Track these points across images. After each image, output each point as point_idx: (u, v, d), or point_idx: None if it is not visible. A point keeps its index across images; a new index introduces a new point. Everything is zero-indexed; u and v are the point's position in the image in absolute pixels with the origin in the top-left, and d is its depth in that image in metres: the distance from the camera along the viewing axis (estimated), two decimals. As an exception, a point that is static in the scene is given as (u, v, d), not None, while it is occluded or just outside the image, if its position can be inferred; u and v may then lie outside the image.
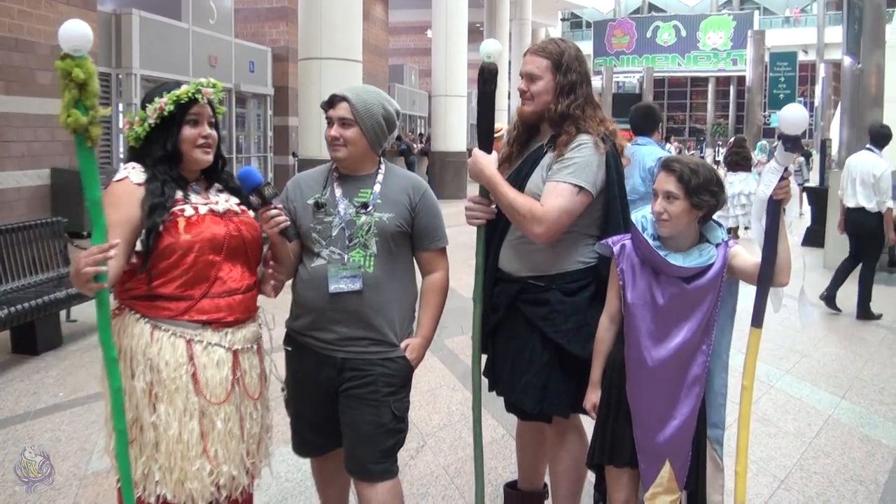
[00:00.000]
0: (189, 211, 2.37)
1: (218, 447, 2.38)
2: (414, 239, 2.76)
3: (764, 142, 23.10)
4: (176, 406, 2.32)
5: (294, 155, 15.85)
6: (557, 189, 2.70)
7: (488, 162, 2.82)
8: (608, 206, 2.78)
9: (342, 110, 2.66)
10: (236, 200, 2.55)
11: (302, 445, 2.90)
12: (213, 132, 2.47)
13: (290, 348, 2.80)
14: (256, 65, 18.99)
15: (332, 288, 2.61)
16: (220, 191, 2.55)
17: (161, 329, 2.34)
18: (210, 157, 2.48)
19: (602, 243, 2.69)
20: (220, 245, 2.40)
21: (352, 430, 2.68)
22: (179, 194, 2.40)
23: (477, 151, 2.85)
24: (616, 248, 2.64)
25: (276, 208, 2.53)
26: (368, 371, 2.65)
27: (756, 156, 22.94)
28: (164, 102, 2.35)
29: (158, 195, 2.33)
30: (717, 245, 2.59)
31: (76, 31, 2.07)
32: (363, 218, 2.65)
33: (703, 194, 2.51)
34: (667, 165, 2.59)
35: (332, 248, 2.64)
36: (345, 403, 2.68)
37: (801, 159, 19.49)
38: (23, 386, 5.16)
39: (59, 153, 11.00)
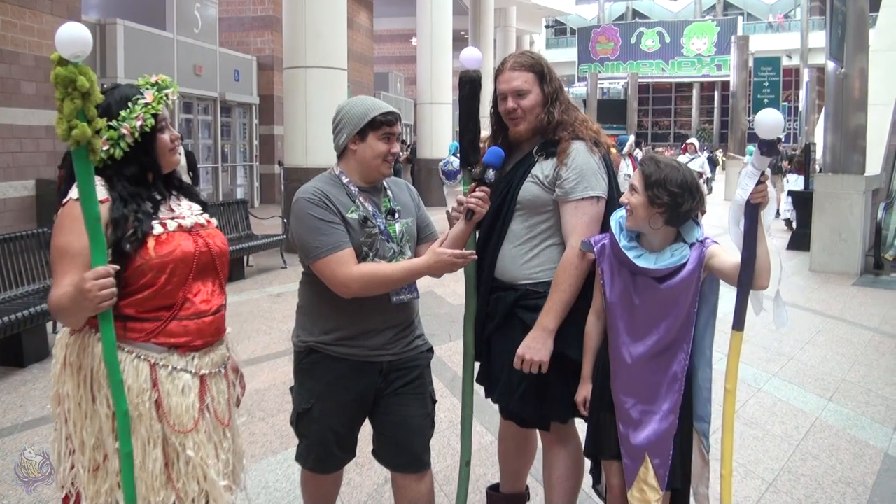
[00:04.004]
0: (158, 229, 2.19)
1: (186, 478, 2.19)
2: (419, 231, 2.82)
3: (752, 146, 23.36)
4: (139, 433, 2.14)
5: (279, 164, 15.82)
6: (579, 209, 2.75)
7: (543, 341, 2.75)
8: (605, 208, 2.81)
9: (399, 126, 2.70)
10: (198, 209, 2.40)
11: (325, 461, 2.80)
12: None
13: (313, 362, 2.72)
14: (241, 74, 18.99)
15: (395, 299, 2.66)
16: (178, 196, 2.39)
17: (124, 351, 2.15)
18: (179, 157, 2.34)
19: (584, 241, 2.72)
20: (191, 263, 2.23)
21: (403, 427, 2.74)
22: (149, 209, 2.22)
23: (530, 344, 2.74)
24: (597, 248, 2.69)
25: (484, 191, 2.61)
26: (414, 365, 2.77)
27: (745, 160, 23.14)
28: (142, 118, 2.16)
29: (125, 222, 2.13)
30: (693, 245, 2.60)
31: (77, 36, 1.85)
32: (397, 226, 2.70)
33: (659, 191, 2.52)
34: (641, 161, 2.66)
35: (378, 259, 2.63)
36: (393, 403, 2.74)
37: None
38: (9, 398, 5.12)
39: (44, 164, 10.94)
